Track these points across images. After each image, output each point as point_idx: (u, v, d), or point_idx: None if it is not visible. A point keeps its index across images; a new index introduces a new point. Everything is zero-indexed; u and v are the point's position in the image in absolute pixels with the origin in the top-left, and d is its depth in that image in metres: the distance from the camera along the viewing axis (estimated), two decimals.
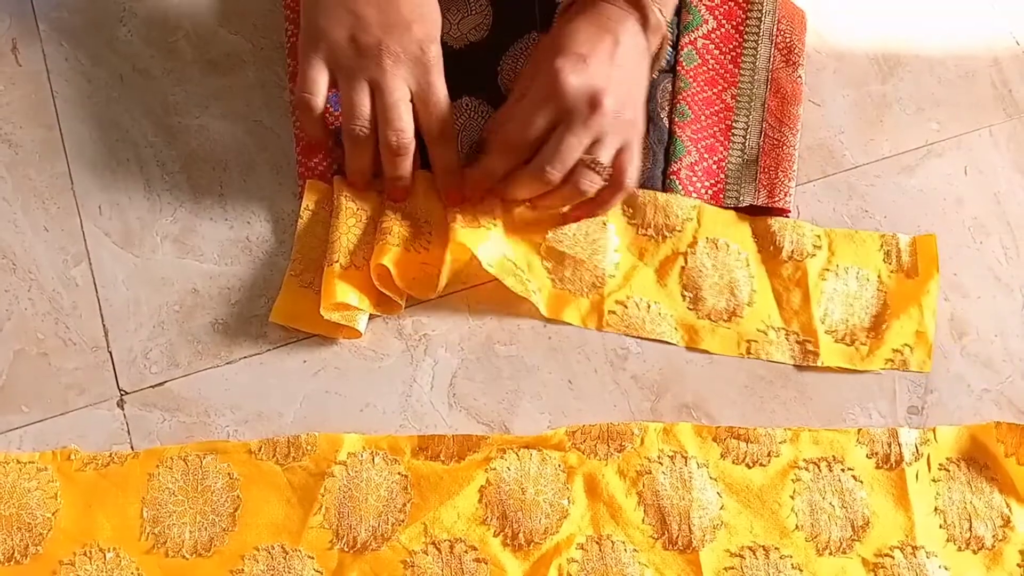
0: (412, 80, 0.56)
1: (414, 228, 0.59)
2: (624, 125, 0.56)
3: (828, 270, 0.62)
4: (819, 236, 0.63)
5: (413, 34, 0.55)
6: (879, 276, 0.63)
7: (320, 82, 0.56)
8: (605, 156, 0.56)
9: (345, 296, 0.57)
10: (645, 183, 0.63)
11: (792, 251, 0.62)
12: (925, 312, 0.62)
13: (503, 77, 0.64)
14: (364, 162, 0.58)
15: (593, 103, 0.54)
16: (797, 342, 0.61)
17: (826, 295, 0.62)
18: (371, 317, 0.60)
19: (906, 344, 0.61)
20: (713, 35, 0.66)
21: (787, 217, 0.64)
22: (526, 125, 0.55)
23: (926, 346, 0.61)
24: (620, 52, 0.56)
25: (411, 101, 0.57)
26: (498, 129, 0.58)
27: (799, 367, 0.61)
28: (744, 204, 0.63)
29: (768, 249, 0.63)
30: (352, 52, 0.55)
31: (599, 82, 0.54)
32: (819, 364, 0.61)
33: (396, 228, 0.58)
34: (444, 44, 0.63)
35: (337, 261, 0.58)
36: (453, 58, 0.60)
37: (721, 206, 0.63)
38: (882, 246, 0.63)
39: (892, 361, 0.61)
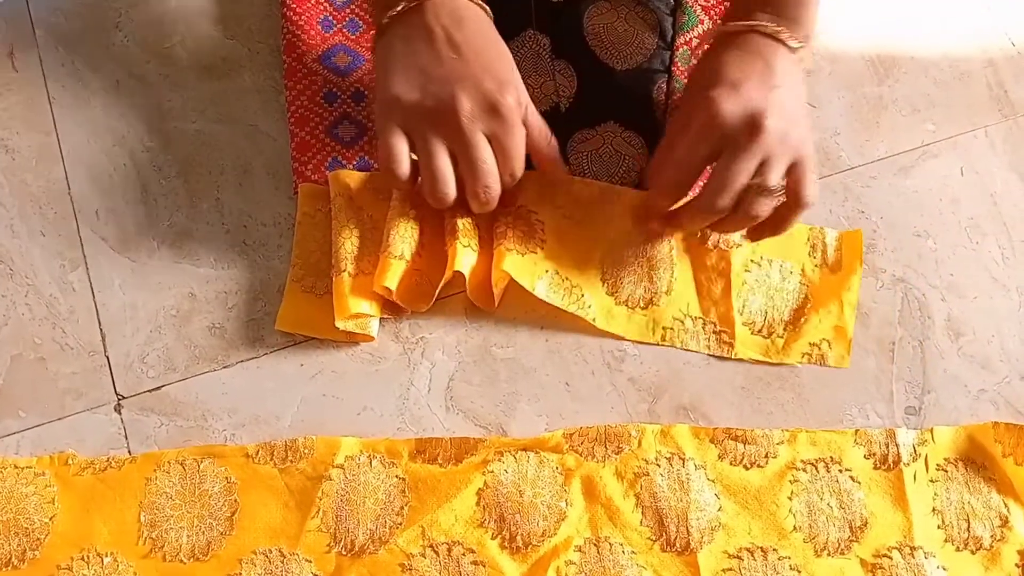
0: (490, 132, 0.54)
1: (409, 237, 0.59)
2: (792, 143, 0.54)
3: (753, 261, 0.62)
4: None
5: (485, 86, 0.53)
6: (803, 269, 0.62)
7: (401, 151, 0.55)
8: (775, 177, 0.54)
9: (358, 306, 0.57)
10: (640, 183, 0.63)
11: (718, 240, 0.62)
12: (845, 308, 0.62)
13: None
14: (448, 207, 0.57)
15: (753, 127, 0.53)
16: (713, 332, 0.61)
17: (748, 286, 0.62)
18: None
19: (824, 339, 0.61)
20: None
21: None
22: (687, 163, 0.55)
23: (844, 342, 0.61)
24: (774, 72, 0.54)
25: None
26: (659, 170, 0.57)
27: (796, 371, 0.61)
28: None
29: (695, 237, 0.62)
30: (427, 114, 0.54)
31: (757, 104, 0.53)
32: (733, 356, 0.60)
33: (398, 243, 0.58)
34: None
35: (345, 270, 0.58)
36: None
37: None
38: (808, 239, 0.63)
39: (809, 355, 0.61)
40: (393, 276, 0.57)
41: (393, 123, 0.54)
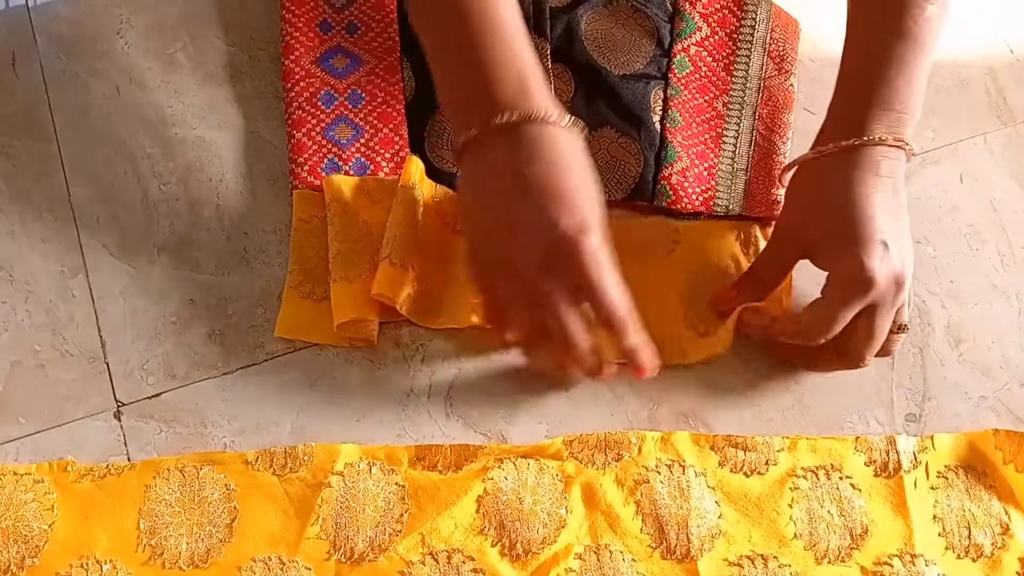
0: (568, 282, 0.50)
1: (408, 244, 0.59)
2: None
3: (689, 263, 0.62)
4: (677, 230, 0.63)
5: (560, 248, 0.48)
6: (735, 262, 0.62)
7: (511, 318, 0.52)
8: (904, 315, 0.56)
9: (356, 311, 0.57)
10: (636, 189, 0.63)
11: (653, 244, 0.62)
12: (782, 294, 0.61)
13: None
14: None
15: (898, 284, 0.53)
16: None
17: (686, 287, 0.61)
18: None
19: None
20: (706, 42, 0.66)
21: None
22: (834, 323, 0.54)
23: None
24: (900, 199, 0.54)
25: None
26: (801, 328, 0.55)
27: (796, 377, 0.61)
28: (734, 212, 0.63)
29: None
30: (519, 291, 0.50)
31: (900, 261, 0.53)
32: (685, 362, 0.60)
33: (398, 250, 0.58)
34: None
35: (343, 276, 0.58)
36: None
37: (711, 213, 0.63)
38: (738, 235, 0.63)
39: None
40: (389, 283, 0.57)
41: (477, 275, 0.52)
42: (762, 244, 0.63)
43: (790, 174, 0.59)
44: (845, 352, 0.57)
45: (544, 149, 0.49)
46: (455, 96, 0.53)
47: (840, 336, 0.55)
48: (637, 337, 0.52)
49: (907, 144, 0.54)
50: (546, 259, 0.49)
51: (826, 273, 0.55)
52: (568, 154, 0.50)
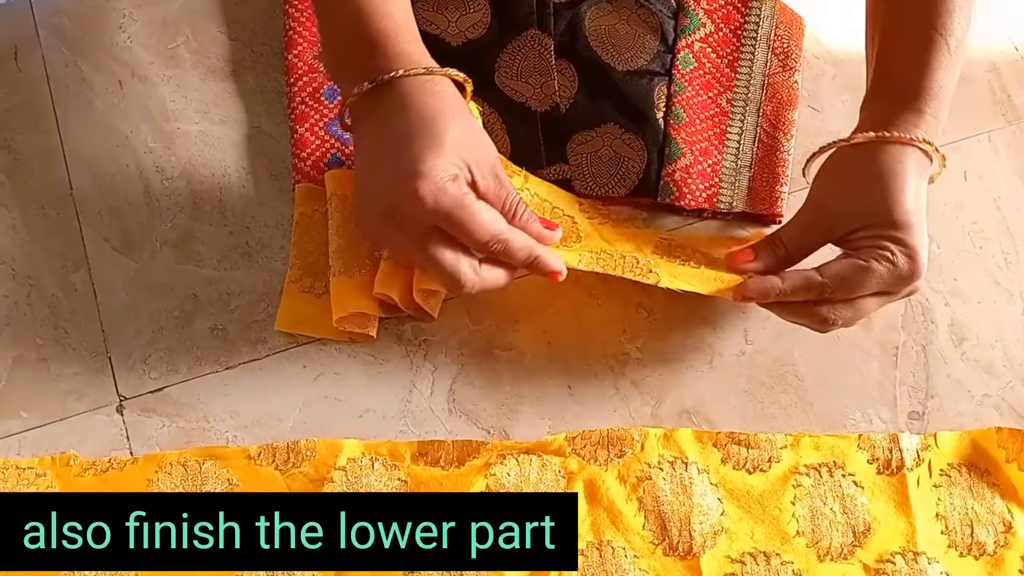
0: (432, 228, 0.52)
1: None
2: None
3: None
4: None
5: (400, 203, 0.51)
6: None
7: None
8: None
9: (355, 305, 0.57)
10: (639, 186, 0.63)
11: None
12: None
13: (500, 75, 0.64)
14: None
15: (917, 279, 0.55)
16: (649, 270, 0.57)
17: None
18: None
19: None
20: (711, 39, 0.66)
21: (779, 223, 0.63)
22: (864, 286, 0.54)
23: None
24: (924, 198, 0.56)
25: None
26: (824, 288, 0.55)
27: (800, 375, 0.61)
28: (737, 209, 0.63)
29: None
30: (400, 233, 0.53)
31: (924, 260, 0.55)
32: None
33: None
34: (442, 41, 0.64)
35: (342, 271, 0.58)
36: (450, 56, 0.59)
37: (715, 209, 0.63)
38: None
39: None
40: (388, 281, 0.57)
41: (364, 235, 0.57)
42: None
43: (825, 156, 0.58)
44: (840, 319, 0.56)
45: (400, 108, 0.52)
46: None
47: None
48: (523, 252, 0.53)
49: (937, 159, 0.56)
50: (393, 216, 0.52)
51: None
52: (420, 101, 0.52)
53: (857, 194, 0.56)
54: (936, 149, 0.56)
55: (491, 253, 0.52)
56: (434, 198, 0.50)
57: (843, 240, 0.56)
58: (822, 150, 0.58)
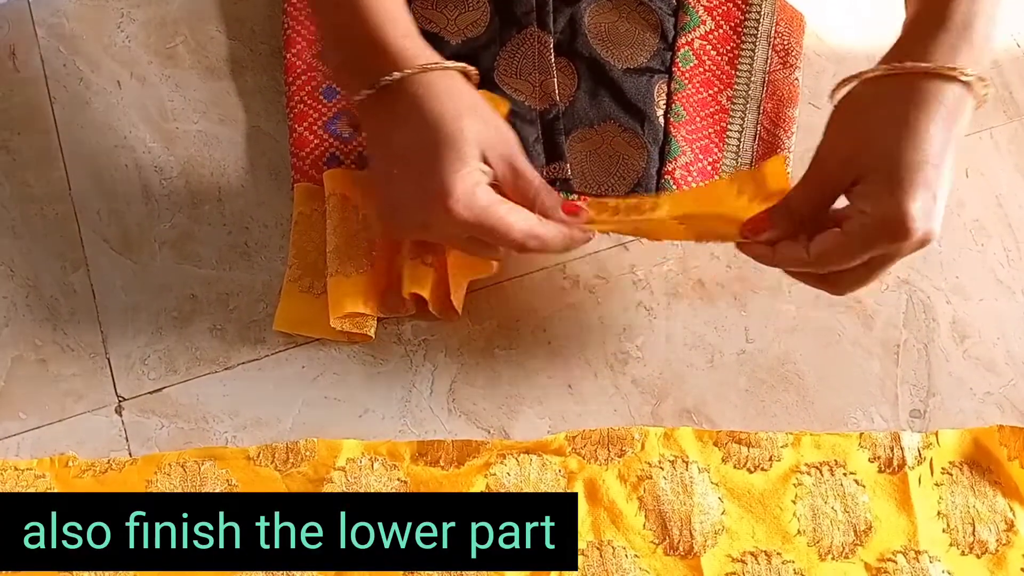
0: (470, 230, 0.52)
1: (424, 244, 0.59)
2: None
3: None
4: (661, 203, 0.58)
5: (434, 216, 0.51)
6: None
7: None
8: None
9: (355, 305, 0.57)
10: (639, 184, 0.62)
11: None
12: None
13: (499, 73, 0.63)
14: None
15: (924, 242, 0.49)
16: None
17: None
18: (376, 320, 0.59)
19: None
20: (711, 36, 0.66)
21: None
22: (849, 261, 0.50)
23: None
24: (958, 141, 0.49)
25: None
26: (810, 259, 0.51)
27: (800, 373, 0.61)
28: None
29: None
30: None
31: (937, 220, 0.49)
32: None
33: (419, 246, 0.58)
34: (441, 39, 0.63)
35: (340, 270, 0.58)
36: (450, 55, 0.59)
37: None
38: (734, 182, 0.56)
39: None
40: (416, 281, 0.57)
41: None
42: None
43: (844, 91, 0.53)
44: (834, 280, 0.53)
45: (407, 113, 0.52)
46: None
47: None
48: (558, 240, 0.53)
49: (980, 87, 0.50)
50: (427, 231, 0.53)
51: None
52: (428, 105, 0.51)
53: (854, 140, 0.51)
54: (963, 73, 0.48)
55: (527, 251, 0.53)
56: (465, 212, 0.50)
57: (849, 194, 0.51)
58: (845, 82, 0.53)
